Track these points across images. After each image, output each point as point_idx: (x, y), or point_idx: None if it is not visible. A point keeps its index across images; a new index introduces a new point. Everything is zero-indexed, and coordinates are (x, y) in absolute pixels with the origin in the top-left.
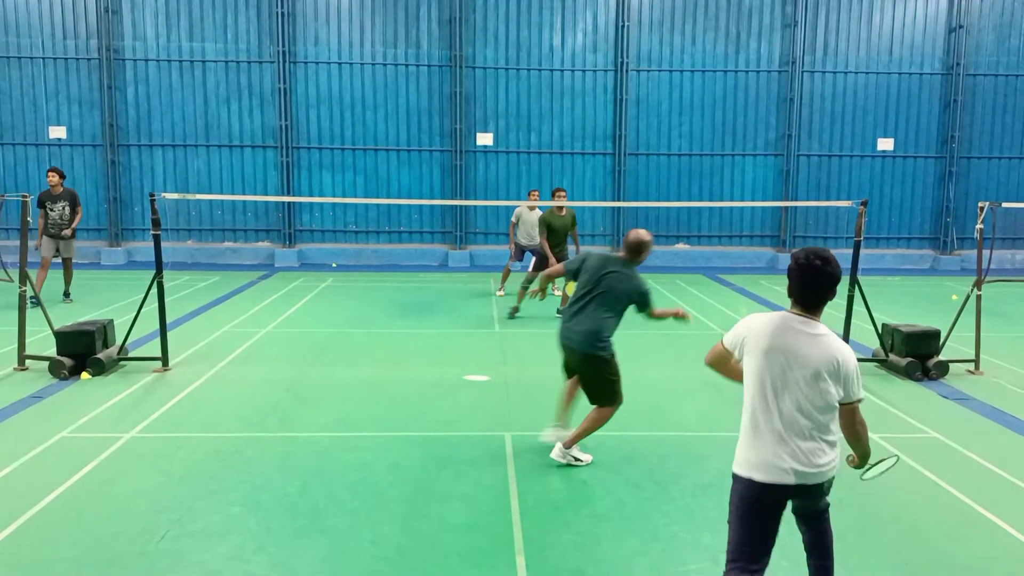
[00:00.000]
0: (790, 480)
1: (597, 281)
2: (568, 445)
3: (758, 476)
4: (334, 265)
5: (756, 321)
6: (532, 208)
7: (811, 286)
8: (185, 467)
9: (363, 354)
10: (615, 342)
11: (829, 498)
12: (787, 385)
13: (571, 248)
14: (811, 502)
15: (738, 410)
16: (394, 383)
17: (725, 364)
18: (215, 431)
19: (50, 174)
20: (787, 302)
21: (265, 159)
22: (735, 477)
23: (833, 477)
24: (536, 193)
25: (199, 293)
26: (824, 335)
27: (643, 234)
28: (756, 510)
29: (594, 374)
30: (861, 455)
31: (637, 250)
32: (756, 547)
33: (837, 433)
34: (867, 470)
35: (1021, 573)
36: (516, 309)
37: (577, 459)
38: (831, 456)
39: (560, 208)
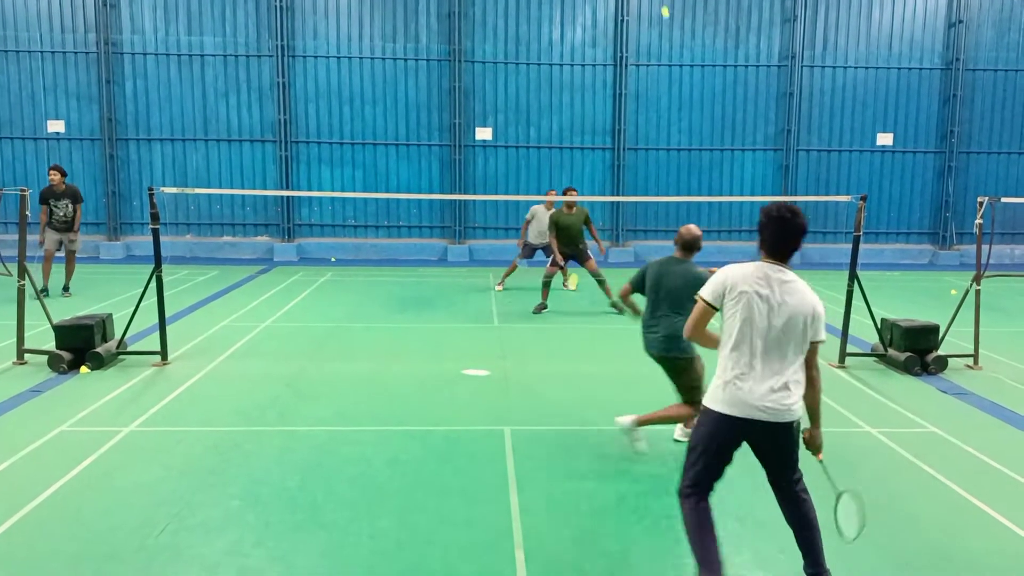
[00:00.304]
0: (763, 417)
1: (659, 286)
2: (640, 423)
3: (734, 412)
4: (333, 260)
5: (735, 271)
6: (549, 207)
7: (783, 237)
8: (184, 461)
9: (362, 349)
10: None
11: (805, 484)
12: (769, 329)
13: (591, 244)
14: (778, 441)
15: None
16: (393, 377)
17: (704, 328)
18: (214, 425)
19: (52, 173)
20: None
21: (264, 153)
22: (707, 411)
23: (800, 420)
24: (554, 192)
25: (198, 287)
26: (796, 281)
27: (694, 228)
28: (725, 444)
29: (676, 376)
30: (815, 408)
31: (691, 245)
32: (715, 478)
33: (801, 378)
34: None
35: (1018, 567)
36: (544, 306)
37: (636, 439)
38: (797, 397)
39: (570, 207)
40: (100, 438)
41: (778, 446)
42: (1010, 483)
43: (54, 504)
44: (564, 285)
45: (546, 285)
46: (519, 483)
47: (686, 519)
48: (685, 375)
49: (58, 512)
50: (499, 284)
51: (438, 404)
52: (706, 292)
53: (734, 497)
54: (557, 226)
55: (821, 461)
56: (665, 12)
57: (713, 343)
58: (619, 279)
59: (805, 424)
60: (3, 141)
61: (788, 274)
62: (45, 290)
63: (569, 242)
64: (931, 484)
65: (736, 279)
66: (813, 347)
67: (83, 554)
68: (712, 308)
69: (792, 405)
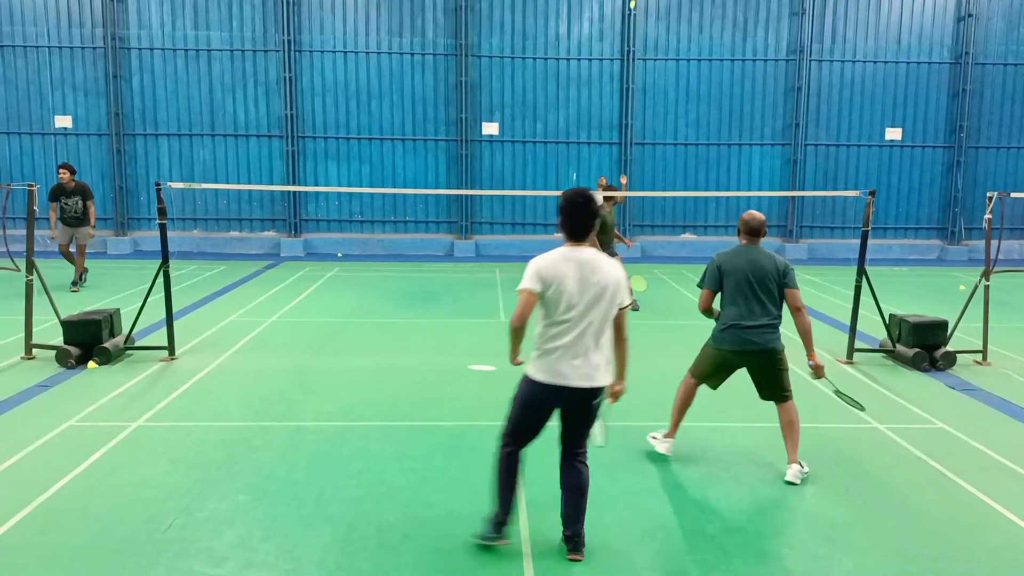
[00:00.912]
0: (574, 384)
1: (749, 278)
2: (797, 460)
3: (549, 380)
4: (340, 255)
5: (545, 260)
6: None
7: (578, 221)
8: (191, 456)
9: (369, 344)
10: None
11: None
12: (580, 304)
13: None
14: (585, 409)
15: (744, 399)
16: (400, 373)
17: (528, 316)
18: (221, 420)
19: (61, 171)
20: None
21: (271, 148)
22: (526, 378)
23: (604, 386)
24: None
25: (205, 282)
26: (597, 258)
27: (758, 213)
28: (541, 408)
29: (776, 367)
30: (622, 363)
31: (759, 231)
32: (531, 436)
33: (609, 348)
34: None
35: None
36: None
37: (805, 469)
38: (604, 366)
39: (609, 201)
40: (108, 433)
41: (584, 414)
42: (1019, 479)
43: (62, 498)
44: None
45: None
46: (526, 478)
47: (499, 463)
48: (783, 363)
49: (66, 506)
50: None
51: (444, 399)
52: (527, 282)
53: (745, 495)
54: (603, 223)
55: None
56: (633, 3)
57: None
58: (627, 273)
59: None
60: (11, 136)
61: (587, 251)
62: (77, 282)
63: (608, 241)
64: (939, 480)
65: (550, 265)
66: (620, 312)
67: (91, 548)
68: (536, 296)
69: (598, 373)
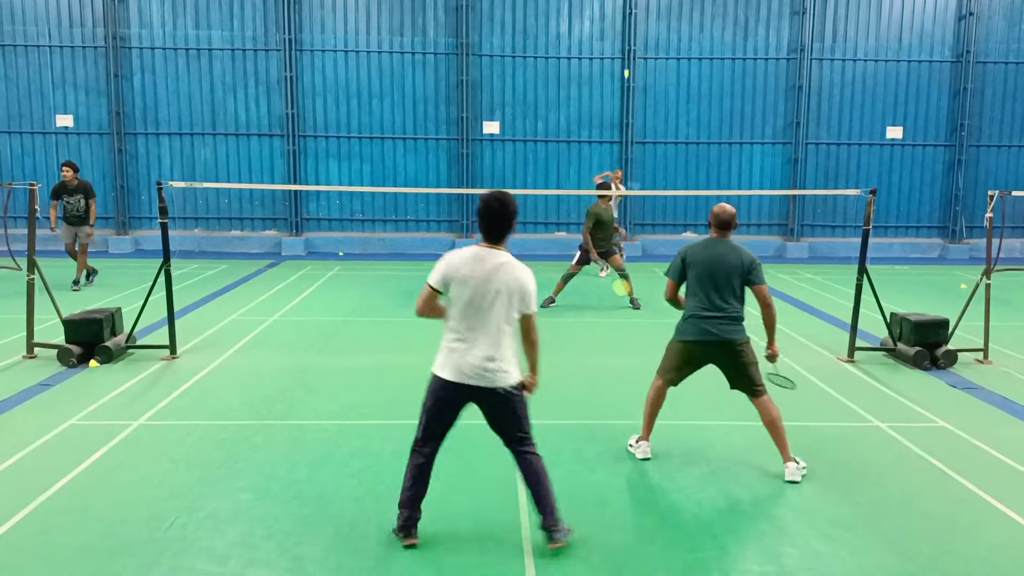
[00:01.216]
0: (476, 382)
1: (713, 270)
2: (792, 458)
3: (452, 377)
4: (341, 254)
5: (455, 257)
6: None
7: (494, 223)
8: (193, 454)
9: (370, 342)
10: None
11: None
12: (483, 303)
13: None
14: (496, 407)
15: (740, 400)
16: (401, 371)
17: (434, 305)
18: (223, 419)
19: (64, 169)
20: (793, 288)
21: (272, 147)
22: (433, 376)
23: (511, 385)
24: (610, 174)
25: (206, 281)
26: (509, 261)
27: (728, 207)
28: (446, 405)
29: (738, 359)
30: (533, 362)
31: (729, 224)
32: (440, 435)
33: (512, 348)
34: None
35: None
36: (551, 300)
37: (803, 465)
38: (509, 364)
39: (607, 199)
40: (109, 432)
41: (498, 411)
42: (1020, 477)
43: (64, 497)
44: (600, 274)
45: (566, 280)
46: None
47: (412, 465)
48: (747, 356)
49: (68, 505)
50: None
51: None
52: (432, 279)
53: (745, 493)
54: (597, 220)
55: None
56: (627, 72)
57: (441, 313)
58: (627, 271)
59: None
60: (12, 135)
61: (502, 255)
62: (82, 279)
63: (606, 237)
64: (940, 479)
65: (457, 263)
66: (527, 318)
67: (93, 546)
68: (437, 292)
69: (501, 372)
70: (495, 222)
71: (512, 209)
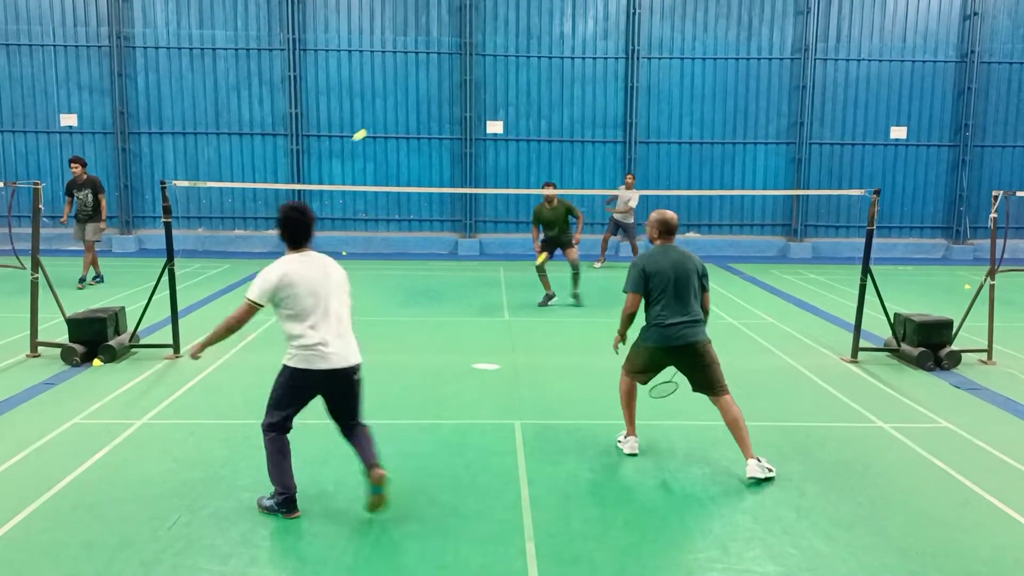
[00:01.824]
0: (333, 366)
1: (672, 277)
2: (753, 456)
3: (312, 367)
4: (344, 253)
5: (275, 271)
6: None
7: (298, 231)
8: (196, 453)
9: (372, 342)
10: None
11: None
12: (322, 299)
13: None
14: (345, 390)
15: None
16: (403, 371)
17: (247, 319)
18: (226, 417)
19: (72, 165)
20: (797, 289)
21: (275, 147)
22: (289, 370)
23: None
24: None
25: (210, 280)
26: (320, 257)
27: (671, 213)
28: (303, 394)
29: (702, 360)
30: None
31: (675, 230)
32: (291, 419)
33: (351, 331)
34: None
35: None
36: (550, 295)
37: (770, 469)
38: (355, 347)
39: (550, 201)
40: (113, 430)
41: (345, 394)
42: (1023, 478)
43: (68, 495)
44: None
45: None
46: (529, 476)
47: (269, 448)
48: (709, 356)
49: (72, 503)
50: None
51: (448, 397)
52: (253, 294)
53: (748, 494)
54: (539, 220)
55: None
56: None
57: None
58: (623, 271)
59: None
60: (16, 135)
61: (313, 256)
62: (99, 277)
63: (553, 235)
64: (944, 479)
65: (282, 275)
66: (348, 302)
67: (96, 544)
68: (259, 306)
69: (351, 354)
70: (301, 230)
71: (311, 217)
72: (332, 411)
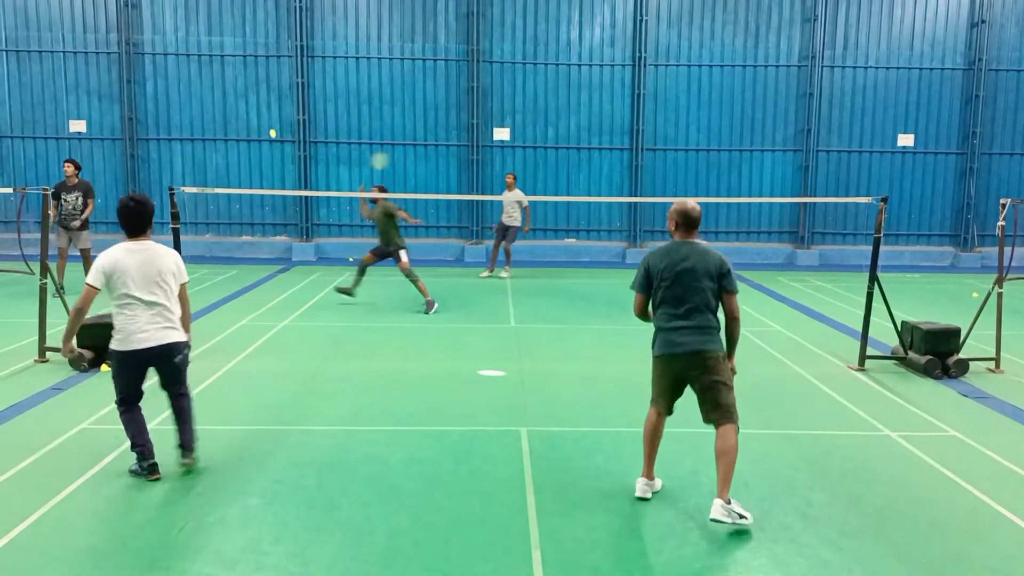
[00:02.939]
0: (154, 344)
1: (679, 277)
2: (727, 499)
3: (133, 347)
4: (351, 259)
5: (109, 257)
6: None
7: (134, 220)
8: (201, 458)
9: (379, 348)
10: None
11: None
12: (145, 283)
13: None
14: (167, 364)
15: (751, 407)
16: (410, 377)
17: (89, 302)
18: (232, 424)
19: (66, 165)
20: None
21: (283, 153)
22: (116, 353)
23: (183, 340)
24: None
25: (217, 287)
26: (154, 246)
27: (694, 203)
28: (136, 370)
29: (709, 374)
30: (188, 322)
31: (697, 223)
32: (135, 392)
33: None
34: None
35: None
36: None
37: (742, 515)
38: (179, 326)
39: (373, 201)
40: (120, 436)
41: (166, 368)
42: None
43: (75, 501)
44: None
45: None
46: (535, 484)
47: (122, 420)
48: (717, 371)
49: (79, 508)
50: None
51: (454, 404)
52: (90, 278)
53: (754, 502)
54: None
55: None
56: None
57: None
58: (628, 278)
59: None
60: (25, 140)
61: (148, 245)
62: (62, 287)
63: (385, 241)
64: (952, 488)
65: (110, 262)
66: (184, 286)
67: (103, 550)
68: (95, 289)
69: (169, 335)
70: (134, 219)
71: (149, 208)
72: (161, 383)
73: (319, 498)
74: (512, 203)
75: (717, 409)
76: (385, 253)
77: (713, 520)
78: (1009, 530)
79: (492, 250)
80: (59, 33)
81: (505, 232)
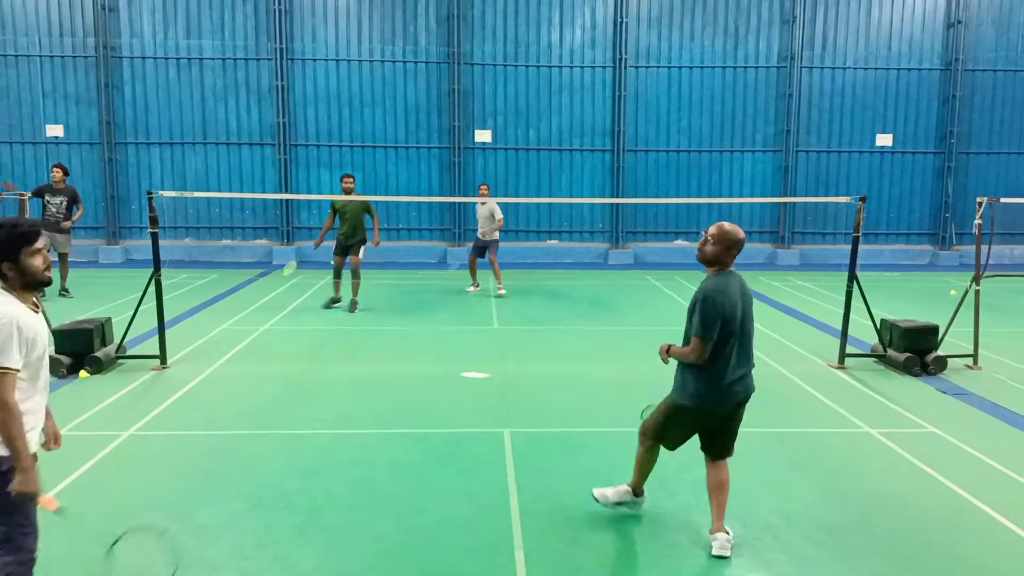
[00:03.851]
0: None
1: (739, 314)
2: (722, 529)
3: None
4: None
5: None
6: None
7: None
8: (184, 465)
9: (362, 351)
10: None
11: None
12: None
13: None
14: None
15: None
16: (393, 380)
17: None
18: (214, 429)
19: (54, 170)
20: (784, 295)
21: (263, 156)
22: None
23: None
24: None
25: (197, 291)
26: None
27: (735, 227)
28: None
29: (737, 423)
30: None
31: (738, 244)
32: None
33: None
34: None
35: (1018, 565)
36: (336, 300)
37: (731, 538)
38: None
39: (348, 192)
40: (100, 442)
41: None
42: (1010, 483)
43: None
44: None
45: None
46: (519, 485)
47: None
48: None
49: (58, 516)
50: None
51: (438, 406)
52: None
53: (736, 500)
54: (336, 211)
55: None
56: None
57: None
58: (619, 280)
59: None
60: (2, 145)
61: None
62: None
63: (351, 232)
64: (931, 484)
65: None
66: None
67: (84, 557)
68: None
69: None
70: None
71: (19, 231)
72: None
73: (303, 502)
74: (486, 217)
75: (731, 445)
76: (347, 249)
77: (719, 556)
78: (987, 524)
79: (469, 265)
80: (36, 37)
81: (483, 250)
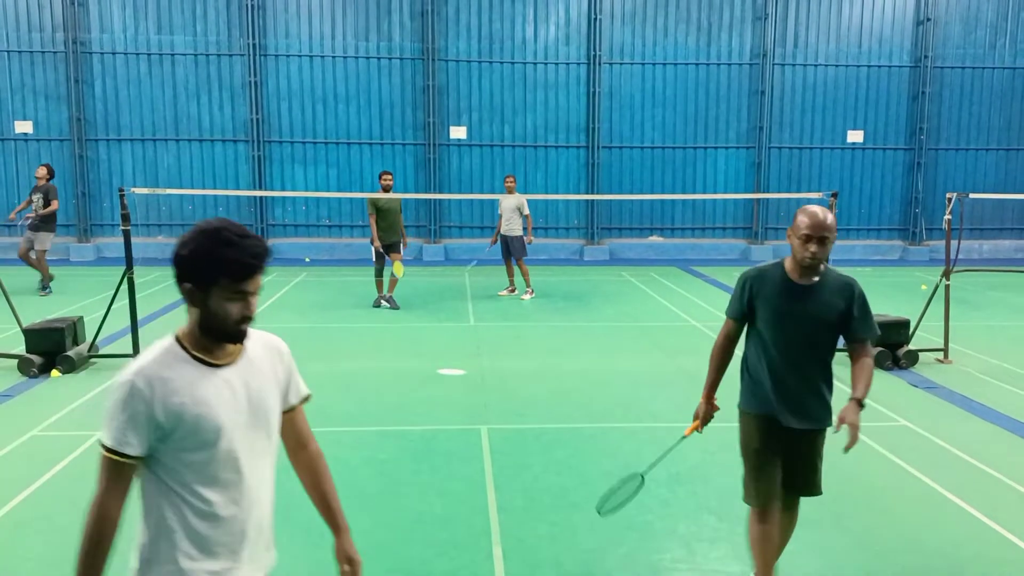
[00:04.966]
0: None
1: (791, 314)
2: None
3: None
4: (307, 260)
5: None
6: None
7: None
8: None
9: (337, 349)
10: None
11: None
12: None
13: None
14: None
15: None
16: (369, 377)
17: None
18: None
19: (40, 169)
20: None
21: (236, 153)
22: None
23: None
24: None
25: (170, 289)
26: None
27: (815, 210)
28: None
29: (818, 452)
30: None
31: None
32: None
33: None
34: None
35: (988, 554)
36: (385, 298)
37: None
38: None
39: (387, 190)
40: (72, 442)
41: None
42: (979, 474)
43: (26, 509)
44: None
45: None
46: (496, 481)
47: None
48: (819, 453)
49: (31, 517)
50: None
51: (414, 403)
52: None
53: (713, 494)
54: (378, 209)
55: None
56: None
57: None
58: (594, 276)
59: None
60: None
61: None
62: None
63: (390, 230)
64: (903, 477)
65: None
66: None
67: (57, 559)
68: None
69: None
70: None
71: None
72: None
73: (277, 501)
74: (512, 210)
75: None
76: (390, 246)
77: None
78: (957, 515)
79: (506, 265)
80: (3, 32)
81: (508, 245)
